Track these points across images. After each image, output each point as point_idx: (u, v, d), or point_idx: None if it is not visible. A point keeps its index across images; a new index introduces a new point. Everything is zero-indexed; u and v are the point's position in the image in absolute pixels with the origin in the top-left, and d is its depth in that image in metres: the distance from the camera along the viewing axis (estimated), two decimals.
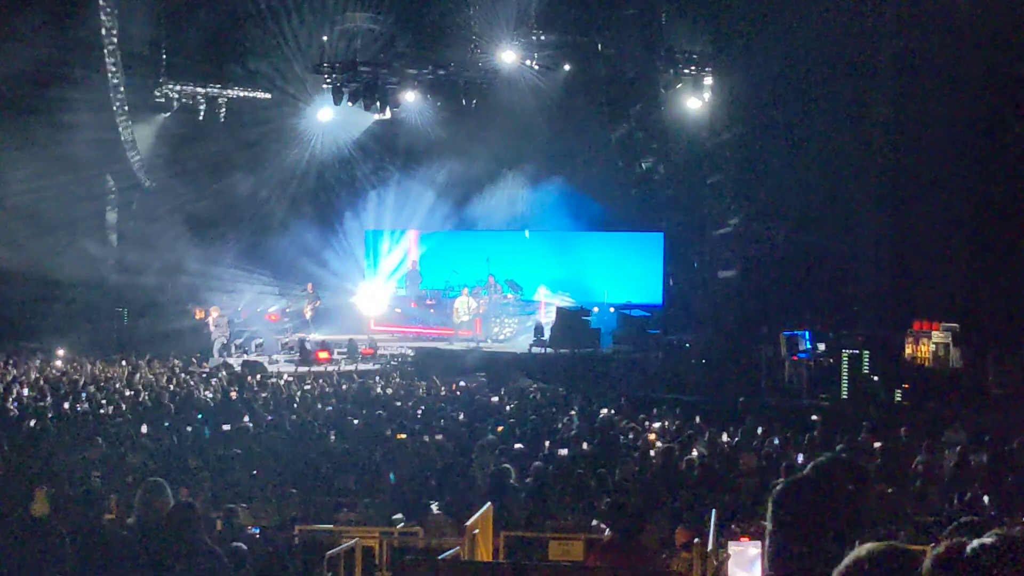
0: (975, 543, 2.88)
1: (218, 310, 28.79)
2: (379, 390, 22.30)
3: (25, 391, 19.33)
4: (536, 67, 30.00)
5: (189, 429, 15.83)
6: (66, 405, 17.77)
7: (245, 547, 7.72)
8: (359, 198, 34.27)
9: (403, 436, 15.40)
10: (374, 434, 15.75)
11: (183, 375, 23.84)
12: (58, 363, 25.61)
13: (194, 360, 27.03)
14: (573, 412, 18.85)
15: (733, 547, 6.94)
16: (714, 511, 9.11)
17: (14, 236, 26.47)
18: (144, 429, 15.36)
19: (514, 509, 10.95)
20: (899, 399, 21.12)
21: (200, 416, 16.87)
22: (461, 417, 17.83)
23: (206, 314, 28.91)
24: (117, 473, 11.99)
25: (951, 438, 15.82)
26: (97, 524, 6.99)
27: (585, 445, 15.29)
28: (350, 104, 31.74)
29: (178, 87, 31.21)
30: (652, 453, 14.74)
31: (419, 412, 18.38)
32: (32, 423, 15.18)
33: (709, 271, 28.30)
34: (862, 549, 3.16)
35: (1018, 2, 22.28)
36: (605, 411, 19.38)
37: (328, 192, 34.20)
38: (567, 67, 30.32)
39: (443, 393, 21.88)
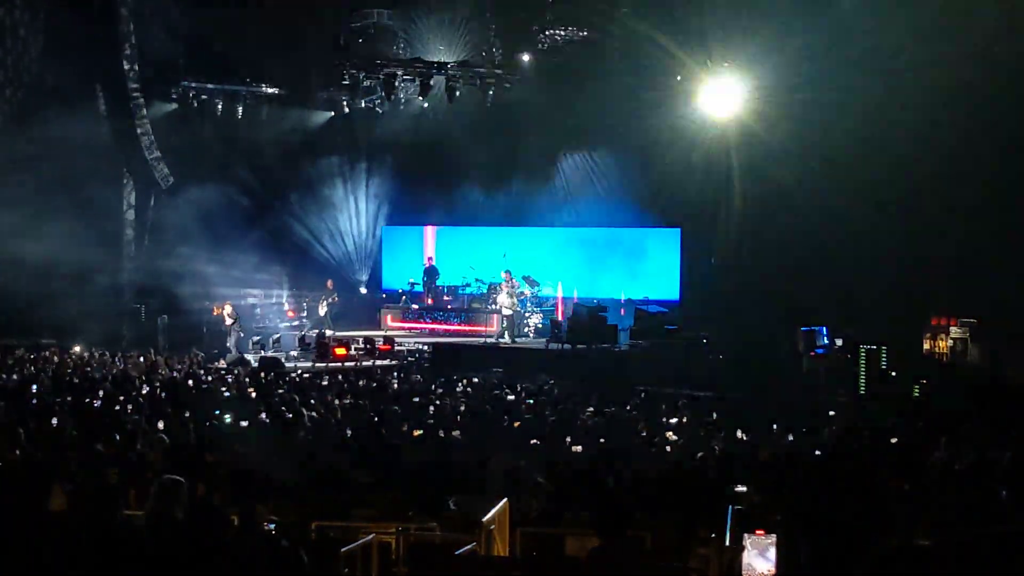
0: (982, 534, 2.89)
1: (231, 305, 28.80)
2: (396, 386, 22.31)
3: (36, 387, 19.36)
4: (553, 62, 30.05)
5: (207, 425, 15.86)
6: (84, 400, 17.82)
7: (262, 543, 7.72)
8: (376, 194, 34.36)
9: (419, 432, 15.41)
10: (391, 430, 15.75)
11: (201, 371, 23.90)
12: (75, 359, 25.69)
13: (212, 356, 27.12)
14: (590, 409, 18.82)
15: (749, 539, 6.93)
16: (731, 507, 9.08)
17: (30, 231, 26.53)
18: (161, 425, 15.39)
19: (530, 505, 10.94)
20: (917, 395, 21.05)
21: (217, 412, 16.90)
22: (477, 413, 17.83)
23: (220, 311, 28.97)
24: (135, 469, 12.01)
25: (969, 434, 15.73)
26: (115, 520, 7.00)
27: (602, 441, 15.27)
28: (366, 100, 31.81)
29: (195, 84, 31.27)
30: (669, 449, 14.72)
31: (435, 408, 18.38)
32: (53, 420, 15.20)
33: (726, 266, 28.32)
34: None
35: None
36: (622, 407, 19.37)
37: (345, 188, 34.24)
38: (585, 62, 30.28)
39: (459, 389, 21.87)
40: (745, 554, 6.83)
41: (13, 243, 26.29)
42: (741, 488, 10.66)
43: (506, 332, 28.74)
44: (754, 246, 27.46)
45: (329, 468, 12.64)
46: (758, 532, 6.90)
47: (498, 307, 29.32)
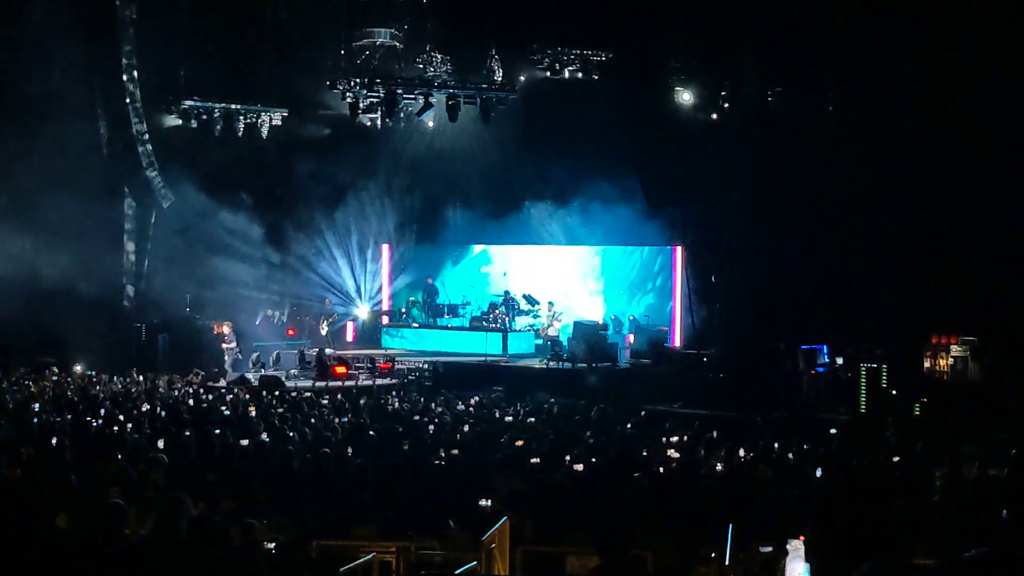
0: (976, 553, 2.89)
1: (230, 325, 28.76)
2: (396, 405, 22.28)
3: (37, 406, 19.35)
4: (553, 81, 30.19)
5: (207, 444, 15.83)
6: (85, 420, 17.79)
7: (262, 561, 7.72)
8: (377, 212, 34.38)
9: (420, 451, 15.39)
10: (391, 449, 15.73)
11: (200, 390, 23.88)
12: (76, 378, 25.66)
13: (213, 375, 27.09)
14: (590, 428, 18.78)
15: (792, 544, 6.91)
16: (731, 525, 9.08)
17: (31, 251, 26.54)
18: (162, 444, 15.37)
19: (531, 524, 10.93)
20: (917, 413, 21.02)
21: (218, 431, 16.87)
22: (478, 431, 17.80)
23: (220, 329, 28.94)
24: (135, 488, 11.99)
25: (970, 452, 15.71)
26: (117, 538, 7.01)
27: (602, 460, 15.23)
28: (366, 119, 31.85)
29: (195, 102, 31.32)
30: (669, 467, 14.68)
31: (435, 426, 18.36)
32: (53, 440, 15.19)
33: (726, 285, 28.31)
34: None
35: None
36: (622, 425, 19.34)
37: (345, 207, 34.23)
38: (583, 80, 30.41)
39: (460, 407, 21.85)
40: (787, 560, 6.83)
41: (13, 263, 26.30)
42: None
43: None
44: (754, 264, 27.41)
45: (329, 487, 12.63)
46: (802, 537, 6.88)
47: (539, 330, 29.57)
